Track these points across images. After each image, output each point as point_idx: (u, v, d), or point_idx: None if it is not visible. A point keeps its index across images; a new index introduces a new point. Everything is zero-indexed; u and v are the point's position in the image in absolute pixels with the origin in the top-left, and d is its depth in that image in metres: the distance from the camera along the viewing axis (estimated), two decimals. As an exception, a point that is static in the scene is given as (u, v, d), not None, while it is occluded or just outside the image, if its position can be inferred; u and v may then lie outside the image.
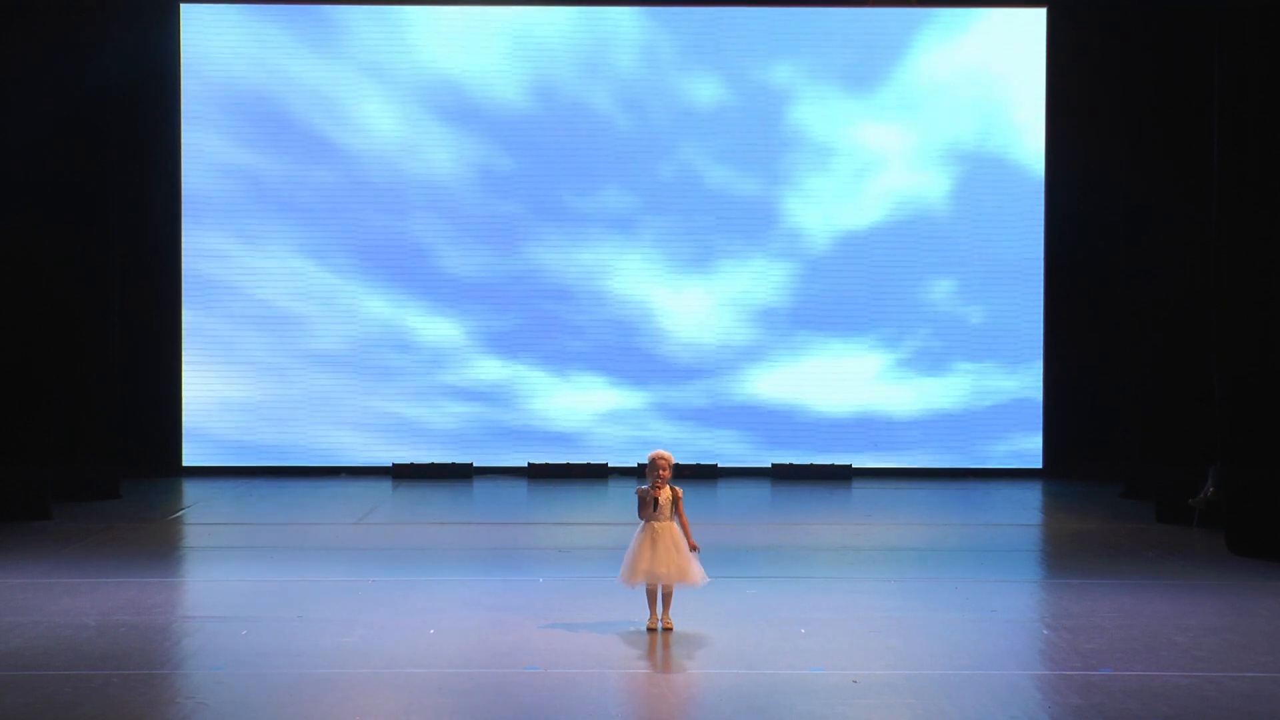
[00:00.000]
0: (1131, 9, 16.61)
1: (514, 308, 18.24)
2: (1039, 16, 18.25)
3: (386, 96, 18.13)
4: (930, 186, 18.24)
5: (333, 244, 18.20)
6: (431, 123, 18.17)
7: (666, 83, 18.17)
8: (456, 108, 18.15)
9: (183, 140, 18.08)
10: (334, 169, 18.16)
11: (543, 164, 18.18)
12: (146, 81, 17.83)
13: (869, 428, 18.31)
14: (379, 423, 18.25)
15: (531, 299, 18.26)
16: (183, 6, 18.06)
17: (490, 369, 18.26)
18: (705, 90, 18.18)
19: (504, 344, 18.26)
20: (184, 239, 18.13)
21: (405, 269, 18.22)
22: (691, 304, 18.31)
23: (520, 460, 18.24)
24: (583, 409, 18.32)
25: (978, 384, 18.29)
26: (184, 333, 18.13)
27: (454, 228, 18.22)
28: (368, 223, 18.20)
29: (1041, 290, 18.29)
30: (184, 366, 18.14)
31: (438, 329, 18.24)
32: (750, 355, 18.33)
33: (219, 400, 18.17)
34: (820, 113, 18.20)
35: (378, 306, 18.22)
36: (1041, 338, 18.31)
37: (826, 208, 18.26)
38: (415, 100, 18.14)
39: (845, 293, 18.29)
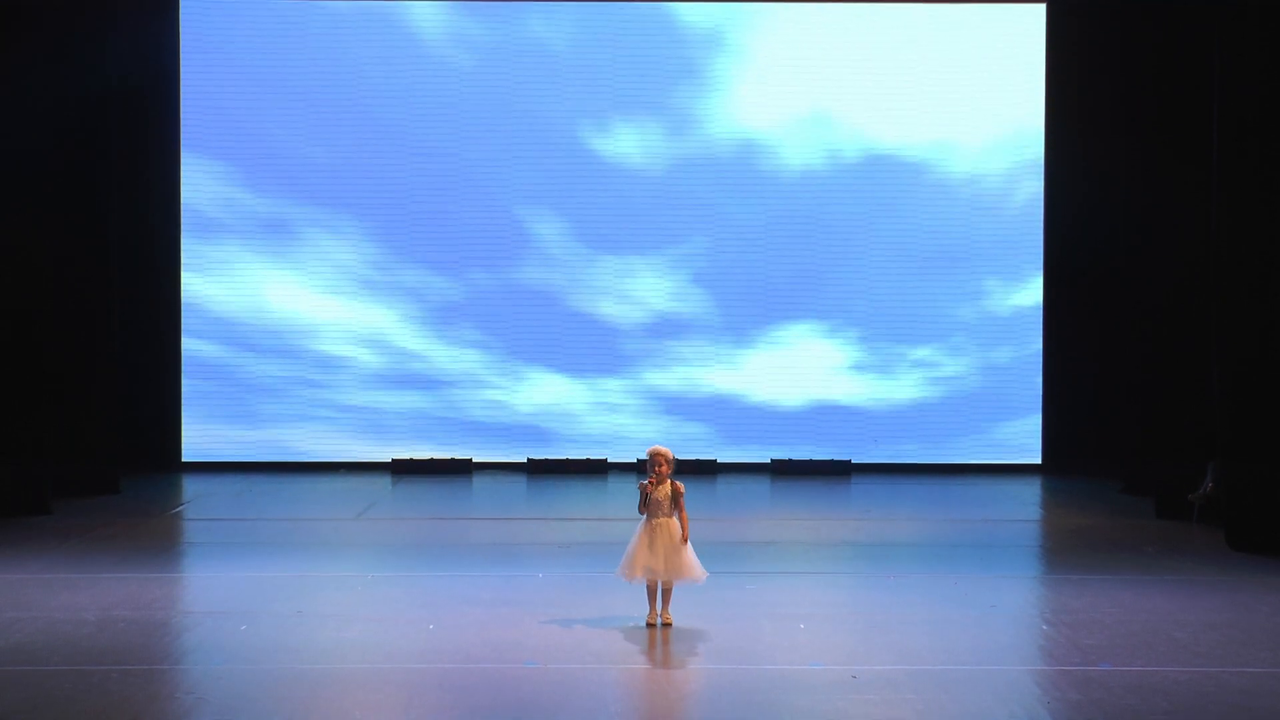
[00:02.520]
0: (1131, 4, 16.60)
1: (506, 308, 18.27)
2: (1039, 12, 18.25)
3: (387, 90, 18.12)
4: (928, 180, 18.22)
5: (334, 238, 18.20)
6: (436, 116, 18.16)
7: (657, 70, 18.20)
8: (461, 99, 18.14)
9: (182, 136, 18.08)
10: (334, 163, 18.14)
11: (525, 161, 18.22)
12: (146, 77, 17.82)
13: (867, 422, 18.30)
14: (379, 418, 18.25)
15: (506, 297, 18.28)
16: (182, 2, 18.05)
17: (486, 365, 18.27)
18: (690, 78, 18.19)
19: (498, 340, 18.29)
20: (183, 235, 18.13)
21: (406, 264, 18.22)
22: (691, 298, 18.33)
23: (519, 455, 18.25)
24: (561, 403, 18.34)
25: (976, 379, 18.29)
26: (183, 328, 18.13)
27: (450, 224, 18.22)
28: (367, 217, 18.19)
29: (1041, 285, 18.29)
30: (183, 362, 18.14)
31: (436, 325, 18.24)
32: (747, 348, 18.33)
33: (218, 396, 18.17)
34: (820, 106, 18.19)
35: (378, 302, 18.22)
36: (1041, 333, 18.31)
37: (824, 202, 18.24)
38: (416, 93, 18.12)
39: (844, 287, 18.28)
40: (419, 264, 18.24)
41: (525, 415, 18.31)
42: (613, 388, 18.34)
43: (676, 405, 18.32)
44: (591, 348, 18.32)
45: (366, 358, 18.25)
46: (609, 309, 18.31)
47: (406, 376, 18.27)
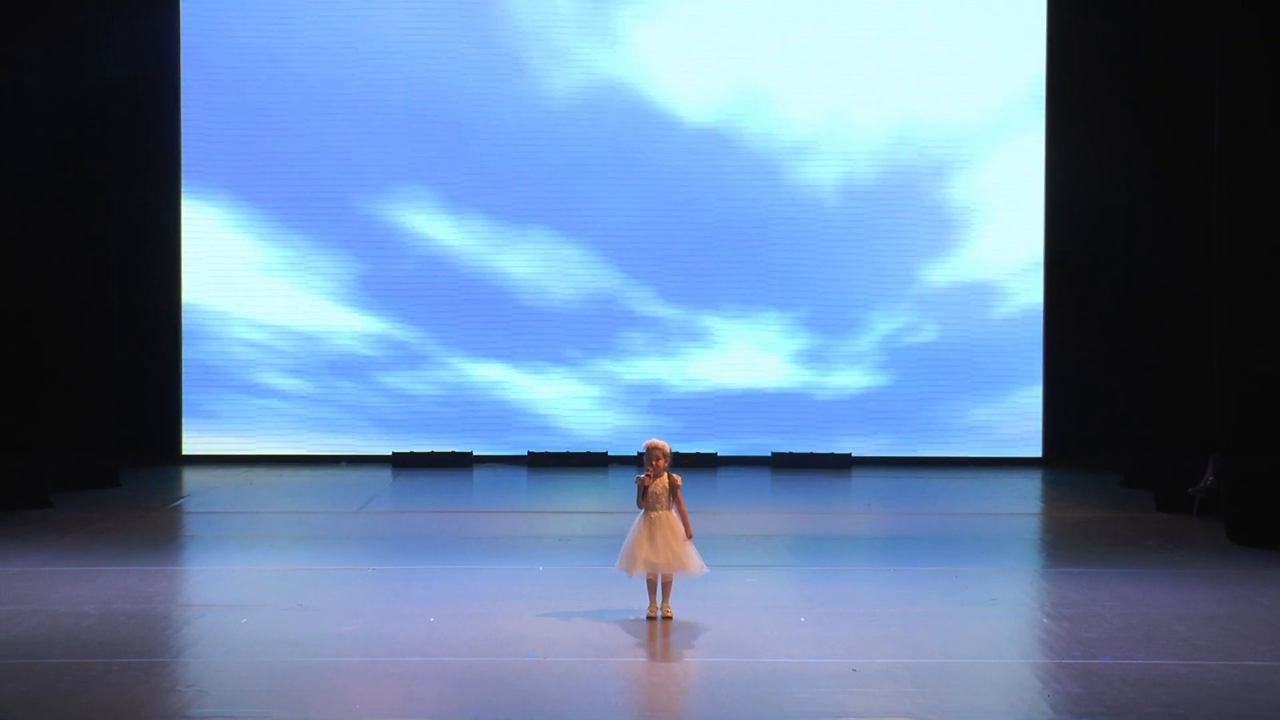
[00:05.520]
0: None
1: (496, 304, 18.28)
2: (1039, 2, 18.22)
3: (388, 81, 18.11)
4: (928, 170, 18.18)
5: (335, 231, 18.19)
6: (440, 105, 18.15)
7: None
8: (462, 86, 18.13)
9: (183, 128, 18.08)
10: (335, 154, 18.13)
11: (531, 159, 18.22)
12: (147, 68, 17.82)
13: (868, 415, 18.29)
14: (379, 411, 18.25)
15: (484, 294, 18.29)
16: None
17: (478, 360, 18.29)
18: (684, 78, 18.17)
19: (489, 337, 18.30)
20: (184, 227, 18.13)
21: (405, 257, 18.22)
22: (698, 304, 18.34)
23: (520, 449, 18.26)
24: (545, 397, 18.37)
25: (976, 372, 18.27)
26: (183, 321, 18.14)
27: (442, 211, 18.23)
28: (369, 209, 18.18)
29: (1042, 277, 18.27)
30: (184, 355, 18.14)
31: (435, 318, 18.24)
32: (744, 340, 18.33)
33: (219, 389, 18.17)
34: (817, 95, 18.16)
35: (379, 296, 18.22)
36: (1041, 325, 18.29)
37: (821, 192, 18.22)
38: (418, 84, 18.11)
39: (840, 281, 18.26)
40: (416, 261, 18.23)
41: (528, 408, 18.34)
42: (576, 378, 18.34)
43: (650, 397, 18.30)
44: (573, 339, 18.35)
45: (371, 350, 18.24)
46: (575, 297, 18.34)
47: (405, 371, 18.26)
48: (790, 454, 18.14)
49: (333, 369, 18.25)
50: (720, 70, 18.12)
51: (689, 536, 10.26)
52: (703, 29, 18.13)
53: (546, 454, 18.17)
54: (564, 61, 18.12)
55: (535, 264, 18.25)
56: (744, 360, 18.32)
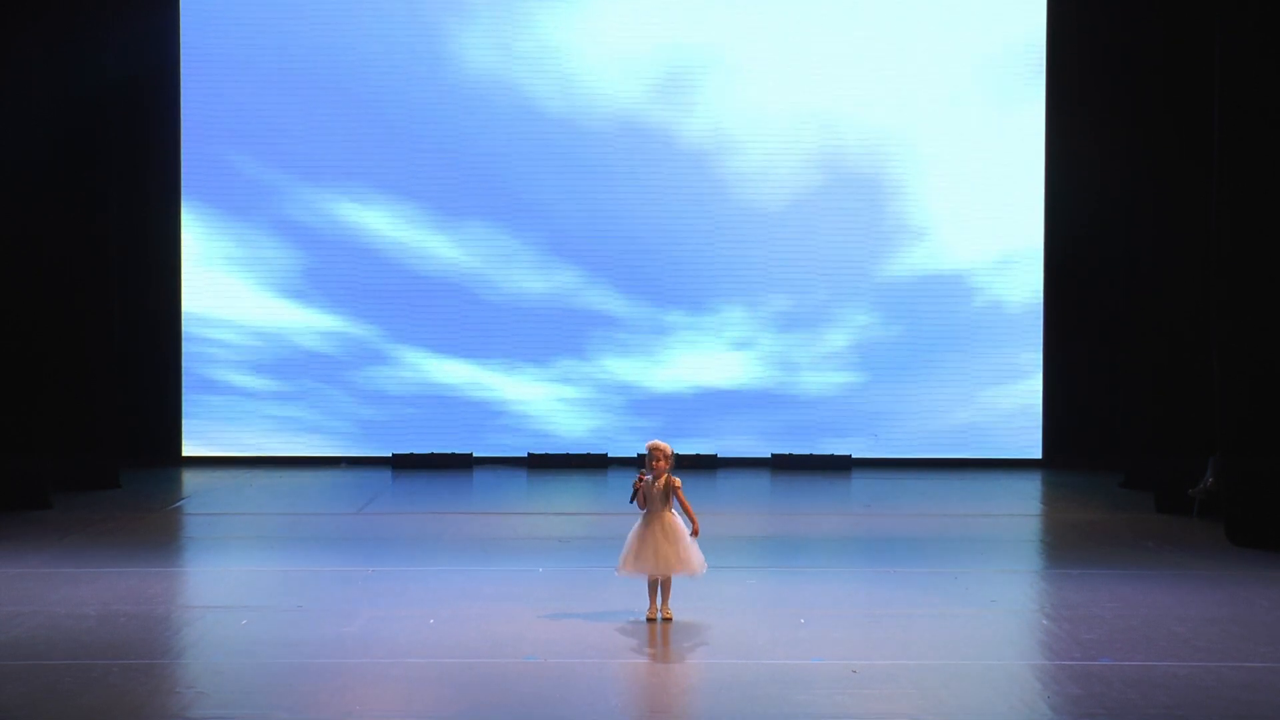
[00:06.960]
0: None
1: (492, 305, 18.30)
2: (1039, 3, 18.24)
3: (390, 79, 18.11)
4: (928, 167, 18.16)
5: (334, 232, 18.18)
6: (441, 106, 18.15)
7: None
8: (470, 88, 18.14)
9: (183, 127, 18.08)
10: (338, 155, 18.12)
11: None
12: (147, 67, 17.82)
13: (868, 415, 18.28)
14: (379, 412, 18.25)
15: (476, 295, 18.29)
16: (182, -1, 18.09)
17: (473, 360, 18.31)
18: (692, 60, 18.18)
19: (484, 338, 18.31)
20: (184, 227, 18.14)
21: (406, 255, 18.21)
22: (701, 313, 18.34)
23: (520, 450, 18.26)
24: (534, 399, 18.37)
25: (976, 373, 18.26)
26: (183, 322, 18.14)
27: (446, 213, 18.24)
28: (367, 209, 18.18)
29: (1041, 277, 18.26)
30: (183, 356, 18.14)
31: (437, 317, 18.24)
32: (740, 340, 18.33)
33: (218, 390, 18.17)
34: (816, 91, 18.14)
35: (380, 297, 18.22)
36: (1041, 325, 18.29)
37: (817, 187, 18.20)
38: (422, 83, 18.11)
39: (840, 279, 18.25)
40: (415, 260, 18.23)
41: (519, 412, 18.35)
42: (561, 379, 18.36)
43: (637, 397, 18.31)
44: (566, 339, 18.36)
45: (372, 350, 18.24)
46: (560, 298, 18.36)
47: (413, 369, 18.27)
48: (789, 455, 18.13)
49: (333, 370, 18.22)
50: (707, 56, 18.10)
51: (695, 534, 10.26)
52: (686, 17, 18.12)
53: (546, 455, 18.17)
54: (542, 59, 18.14)
55: (523, 268, 18.26)
56: (739, 360, 18.31)
